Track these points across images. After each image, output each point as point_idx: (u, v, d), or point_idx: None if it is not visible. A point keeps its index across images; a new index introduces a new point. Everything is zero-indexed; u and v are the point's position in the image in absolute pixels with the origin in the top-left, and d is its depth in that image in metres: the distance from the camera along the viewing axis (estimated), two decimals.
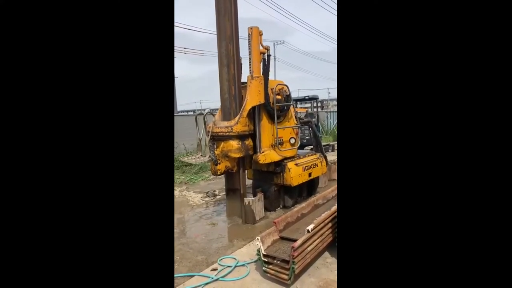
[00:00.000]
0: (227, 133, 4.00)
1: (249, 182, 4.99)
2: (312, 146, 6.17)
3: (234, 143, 4.01)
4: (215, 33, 4.11)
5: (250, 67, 4.17)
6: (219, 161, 4.11)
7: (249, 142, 4.15)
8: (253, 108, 4.14)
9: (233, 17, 3.98)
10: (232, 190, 4.41)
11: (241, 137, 4.05)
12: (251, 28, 4.11)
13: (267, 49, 4.25)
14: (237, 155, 4.04)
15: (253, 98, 4.07)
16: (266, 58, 4.21)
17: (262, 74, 4.19)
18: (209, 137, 4.10)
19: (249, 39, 4.13)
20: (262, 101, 4.16)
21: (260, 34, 4.16)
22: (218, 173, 4.16)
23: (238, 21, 4.12)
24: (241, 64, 4.29)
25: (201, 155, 4.71)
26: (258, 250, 2.75)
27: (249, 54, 4.16)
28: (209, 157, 4.14)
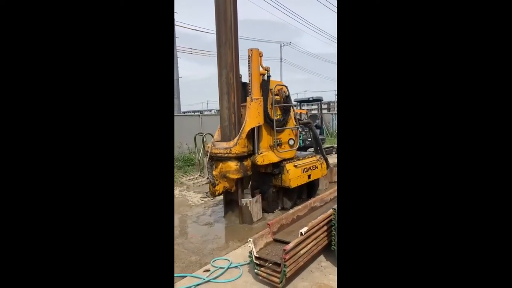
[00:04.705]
0: (225, 154, 3.97)
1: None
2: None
3: (233, 164, 3.97)
4: None
5: (249, 88, 4.16)
6: (217, 182, 4.07)
7: (247, 162, 4.11)
8: (252, 128, 4.13)
9: (233, 46, 3.98)
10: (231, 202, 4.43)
11: (239, 158, 4.02)
12: (251, 50, 4.11)
13: (267, 70, 4.25)
14: (235, 176, 4.00)
15: (252, 120, 4.08)
16: (265, 79, 4.23)
17: (262, 96, 4.20)
18: (207, 157, 4.06)
19: (249, 61, 4.13)
20: (261, 122, 4.18)
21: (260, 55, 4.17)
22: (216, 193, 4.14)
23: (247, 25, 4.21)
24: (240, 77, 4.29)
25: (199, 175, 4.71)
26: (251, 252, 2.72)
27: (249, 76, 4.16)
28: (207, 178, 4.11)
